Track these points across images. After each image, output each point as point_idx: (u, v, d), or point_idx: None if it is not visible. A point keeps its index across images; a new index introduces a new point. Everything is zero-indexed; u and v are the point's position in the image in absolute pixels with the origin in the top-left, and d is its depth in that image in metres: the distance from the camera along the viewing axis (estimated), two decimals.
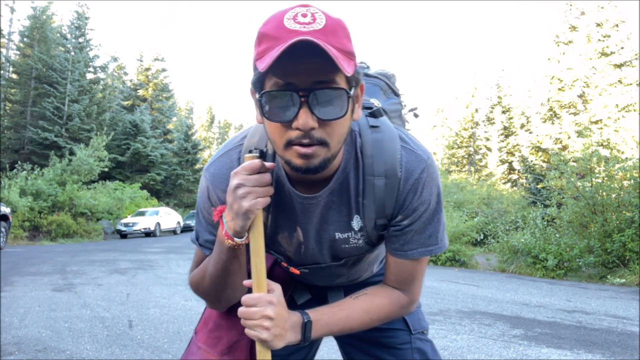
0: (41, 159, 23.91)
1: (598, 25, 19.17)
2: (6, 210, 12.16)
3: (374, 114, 1.04)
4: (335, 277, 1.17)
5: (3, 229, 11.91)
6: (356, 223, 1.01)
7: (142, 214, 22.33)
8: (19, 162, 21.09)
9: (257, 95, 0.86)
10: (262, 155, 0.96)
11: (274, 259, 1.20)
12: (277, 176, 0.99)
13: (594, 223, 8.51)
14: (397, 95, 1.29)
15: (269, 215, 1.02)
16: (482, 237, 12.23)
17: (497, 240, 10.23)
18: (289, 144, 0.84)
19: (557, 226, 9.73)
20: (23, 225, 17.02)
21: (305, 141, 0.83)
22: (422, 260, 1.04)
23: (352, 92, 0.86)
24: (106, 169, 23.27)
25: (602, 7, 19.22)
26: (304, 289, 1.25)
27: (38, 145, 25.41)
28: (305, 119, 0.81)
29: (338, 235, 1.03)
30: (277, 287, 0.93)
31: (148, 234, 21.13)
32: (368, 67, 1.32)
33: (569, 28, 19.81)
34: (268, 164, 0.90)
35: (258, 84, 0.85)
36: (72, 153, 22.67)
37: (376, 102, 1.11)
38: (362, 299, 1.05)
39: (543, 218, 9.91)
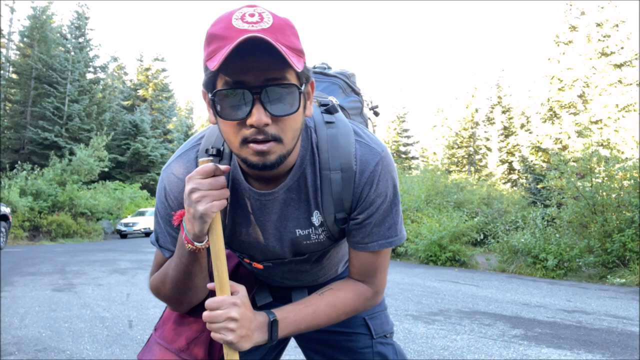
0: (41, 159, 23.91)
1: (598, 25, 19.16)
2: (6, 210, 12.17)
3: (329, 110, 1.05)
4: (299, 273, 1.17)
5: (3, 229, 11.91)
6: (316, 219, 1.02)
7: (142, 214, 22.33)
8: (19, 162, 21.09)
9: (210, 96, 0.86)
10: (219, 154, 0.97)
11: (238, 258, 1.19)
12: (233, 174, 1.00)
13: (594, 223, 8.50)
14: (357, 93, 1.30)
15: (227, 215, 1.02)
16: (482, 237, 12.19)
17: (497, 240, 10.22)
18: (245, 141, 0.85)
19: (557, 226, 9.71)
20: (23, 225, 17.03)
21: (260, 137, 0.84)
22: (383, 252, 1.06)
23: (303, 89, 0.87)
24: (106, 169, 23.29)
25: (602, 7, 19.20)
26: (267, 290, 1.25)
27: (38, 145, 25.41)
28: (258, 115, 0.82)
29: (299, 231, 1.03)
30: (241, 289, 0.93)
31: (148, 234, 21.10)
32: (329, 68, 1.33)
33: (569, 28, 19.80)
34: (223, 167, 0.89)
35: (210, 84, 0.86)
36: (72, 153, 22.69)
37: (333, 99, 1.12)
38: (327, 294, 1.05)
39: (543, 218, 9.89)
